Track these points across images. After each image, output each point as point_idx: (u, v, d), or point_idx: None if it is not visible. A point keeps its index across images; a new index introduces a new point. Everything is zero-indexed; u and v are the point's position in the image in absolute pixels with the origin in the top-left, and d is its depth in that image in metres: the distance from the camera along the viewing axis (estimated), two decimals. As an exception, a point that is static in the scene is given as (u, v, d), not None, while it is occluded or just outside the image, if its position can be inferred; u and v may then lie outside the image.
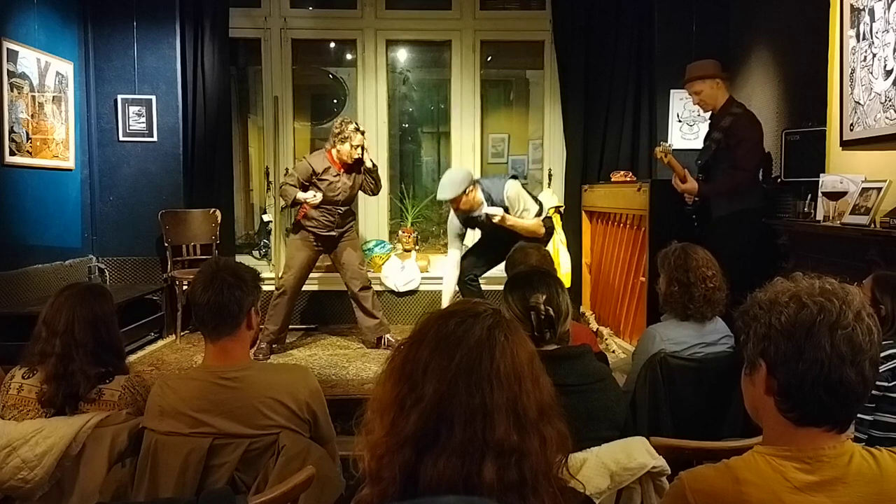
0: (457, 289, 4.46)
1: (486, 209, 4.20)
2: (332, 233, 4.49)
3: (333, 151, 4.42)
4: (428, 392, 0.96)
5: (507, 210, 4.16)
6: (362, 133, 4.42)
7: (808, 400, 1.06)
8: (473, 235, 4.63)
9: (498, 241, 4.26)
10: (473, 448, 0.94)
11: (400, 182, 6.10)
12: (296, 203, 4.41)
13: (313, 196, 4.35)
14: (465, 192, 4.11)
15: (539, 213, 4.24)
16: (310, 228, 4.46)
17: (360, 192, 4.70)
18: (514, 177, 4.33)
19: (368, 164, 4.49)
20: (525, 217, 4.18)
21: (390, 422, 0.98)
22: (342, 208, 4.49)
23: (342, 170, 4.45)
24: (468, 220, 4.35)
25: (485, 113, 5.82)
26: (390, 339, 4.64)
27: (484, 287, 4.70)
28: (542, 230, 4.26)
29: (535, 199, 4.34)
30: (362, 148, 4.44)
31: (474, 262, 4.46)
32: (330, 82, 6.40)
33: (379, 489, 0.97)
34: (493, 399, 0.96)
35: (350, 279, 4.60)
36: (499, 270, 4.68)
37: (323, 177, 4.40)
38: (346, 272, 4.60)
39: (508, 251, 4.22)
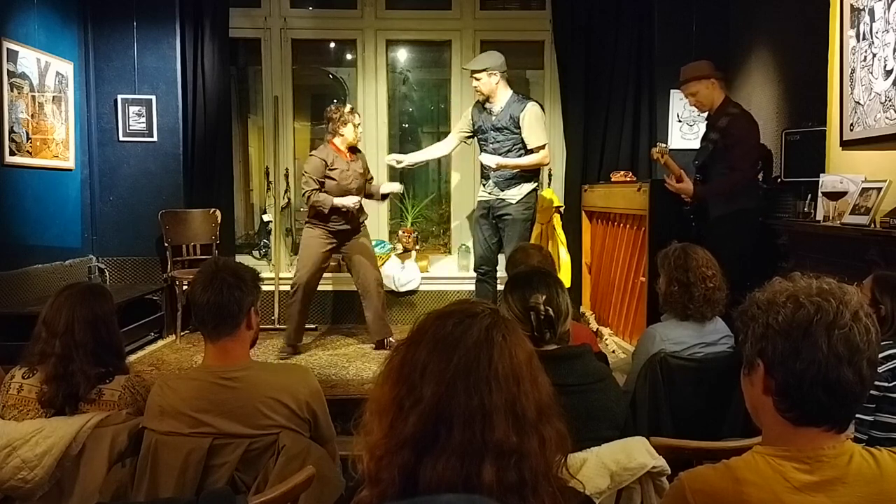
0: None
1: (482, 157, 4.47)
2: (347, 226, 4.43)
3: (337, 140, 4.41)
4: (426, 394, 0.96)
5: (518, 124, 4.36)
6: (358, 113, 4.51)
7: (805, 400, 1.07)
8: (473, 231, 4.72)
9: (490, 224, 4.54)
10: (472, 449, 0.94)
11: (400, 182, 6.09)
12: (334, 208, 4.32)
13: (353, 202, 4.31)
14: (487, 70, 4.32)
15: (542, 146, 4.43)
16: (324, 224, 4.41)
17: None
18: (540, 105, 4.52)
19: (397, 190, 4.73)
20: (530, 139, 4.37)
21: (389, 423, 0.98)
22: (358, 197, 4.44)
23: (350, 158, 4.44)
24: (479, 117, 4.52)
25: (485, 113, 5.81)
26: (392, 341, 4.62)
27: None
28: (547, 161, 4.58)
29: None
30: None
31: (484, 256, 4.62)
32: (330, 82, 6.41)
33: (378, 491, 0.97)
34: (491, 400, 0.96)
35: (363, 276, 4.53)
36: (499, 271, 4.71)
37: (334, 167, 4.37)
38: (359, 269, 4.53)
39: (496, 226, 4.54)
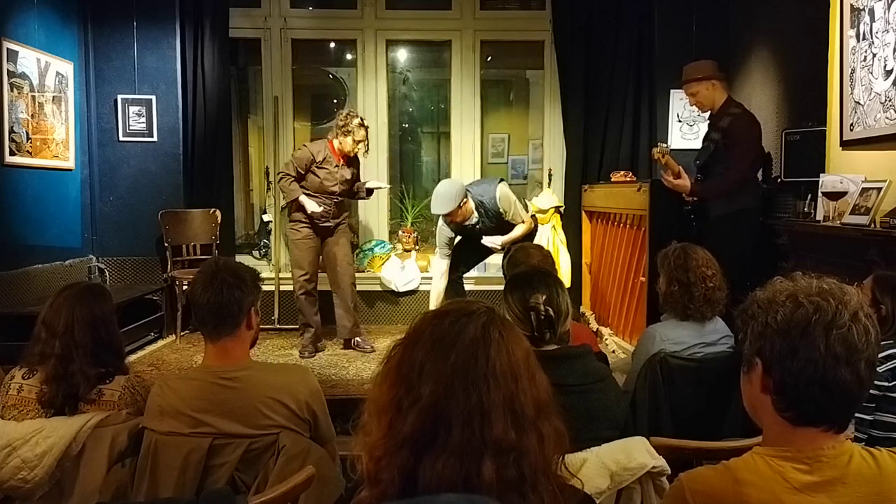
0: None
1: (486, 241, 4.39)
2: (328, 223, 4.48)
3: (336, 142, 4.43)
4: (424, 393, 0.96)
5: (500, 215, 4.29)
6: (366, 128, 4.45)
7: (803, 399, 1.07)
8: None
9: (478, 242, 4.45)
10: (472, 448, 0.94)
11: (400, 182, 6.11)
12: (294, 202, 4.38)
13: (312, 210, 4.33)
14: (459, 205, 4.20)
15: (526, 209, 4.44)
16: (305, 221, 4.43)
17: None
18: (501, 180, 4.42)
19: (383, 186, 4.75)
20: (516, 218, 4.33)
21: (388, 424, 0.98)
22: (338, 198, 4.48)
23: (342, 162, 4.46)
24: (460, 229, 4.43)
25: (485, 113, 5.81)
26: (360, 341, 4.67)
27: (478, 287, 4.92)
28: (532, 226, 4.47)
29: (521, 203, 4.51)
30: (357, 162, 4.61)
31: (464, 259, 4.57)
32: (330, 82, 6.40)
33: (378, 491, 0.97)
34: (489, 398, 0.96)
35: (338, 274, 4.57)
36: (497, 270, 4.70)
37: (322, 165, 4.39)
38: (334, 266, 4.57)
39: (487, 249, 4.47)
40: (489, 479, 0.93)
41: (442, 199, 4.23)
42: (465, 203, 4.24)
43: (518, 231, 4.36)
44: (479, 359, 0.98)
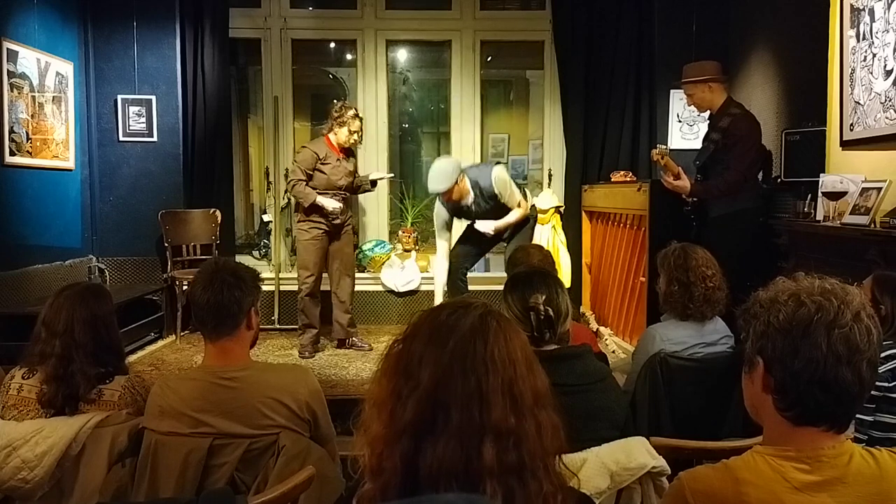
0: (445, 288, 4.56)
1: (479, 226, 4.36)
2: (338, 220, 4.49)
3: (331, 136, 4.45)
4: (423, 379, 0.97)
5: (496, 197, 4.25)
6: (361, 119, 4.48)
7: (803, 398, 1.07)
8: (460, 225, 4.67)
9: (477, 234, 4.44)
10: (471, 431, 0.94)
11: (400, 182, 6.10)
12: (313, 205, 4.38)
13: (332, 207, 4.36)
14: (456, 182, 4.18)
15: (524, 197, 4.39)
16: (317, 220, 4.44)
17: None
18: (498, 162, 4.42)
19: (387, 177, 4.70)
20: (511, 202, 4.30)
21: (388, 415, 0.98)
22: (344, 194, 4.52)
23: (341, 155, 4.49)
24: (457, 210, 4.41)
25: (485, 113, 5.82)
26: (356, 340, 4.69)
27: (480, 287, 4.82)
28: (528, 211, 4.43)
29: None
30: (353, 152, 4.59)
31: (463, 254, 4.53)
32: (330, 82, 6.41)
33: (381, 482, 0.97)
34: (488, 382, 0.96)
35: (339, 273, 4.60)
36: (497, 270, 4.70)
37: (325, 162, 4.42)
38: (337, 267, 4.60)
39: (493, 240, 4.44)
40: (490, 463, 0.93)
41: (438, 175, 4.22)
42: (462, 181, 4.22)
43: (512, 217, 4.33)
44: (478, 345, 0.98)
